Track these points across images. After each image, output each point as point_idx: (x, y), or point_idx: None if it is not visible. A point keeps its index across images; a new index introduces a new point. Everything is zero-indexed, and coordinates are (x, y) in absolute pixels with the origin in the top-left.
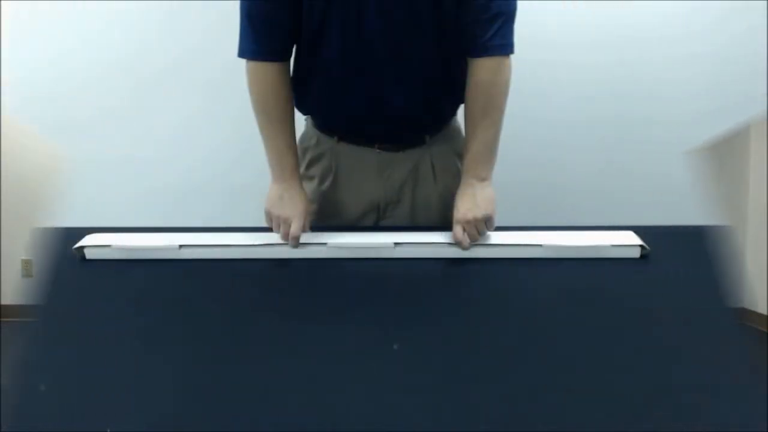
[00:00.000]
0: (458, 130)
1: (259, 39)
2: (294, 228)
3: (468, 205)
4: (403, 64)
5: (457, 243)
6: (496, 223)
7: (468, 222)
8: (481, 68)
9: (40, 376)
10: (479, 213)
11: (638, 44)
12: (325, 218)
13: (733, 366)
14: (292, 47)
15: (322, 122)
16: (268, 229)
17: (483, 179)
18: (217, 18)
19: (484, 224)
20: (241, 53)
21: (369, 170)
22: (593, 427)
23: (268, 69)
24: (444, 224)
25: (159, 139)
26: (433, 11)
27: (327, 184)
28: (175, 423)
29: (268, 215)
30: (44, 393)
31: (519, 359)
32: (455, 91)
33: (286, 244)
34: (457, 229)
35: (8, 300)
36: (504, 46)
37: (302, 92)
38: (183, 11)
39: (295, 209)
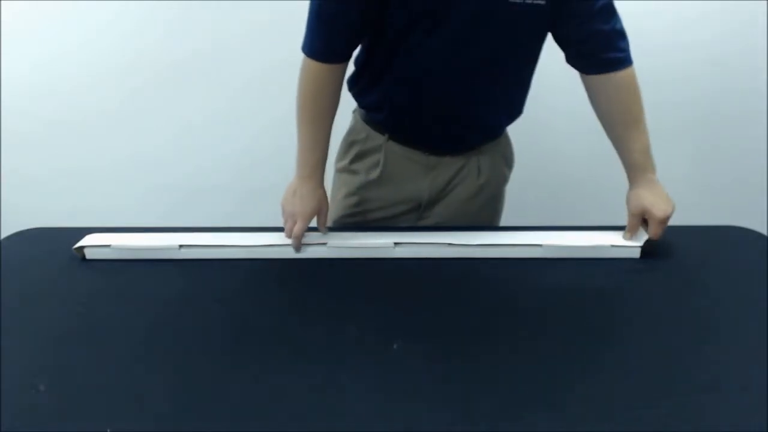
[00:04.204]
0: (506, 136)
1: (325, 38)
2: (296, 227)
3: (663, 206)
4: (490, 69)
5: (653, 239)
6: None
7: (663, 221)
8: (620, 81)
9: (40, 376)
10: (669, 210)
11: (637, 44)
12: (365, 213)
13: (734, 365)
14: (356, 48)
15: (384, 119)
16: (268, 229)
17: (654, 178)
18: (219, 18)
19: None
20: (304, 47)
21: (416, 170)
22: (593, 427)
23: (324, 69)
24: (479, 216)
25: (159, 140)
26: (528, 14)
27: (372, 179)
28: (175, 423)
29: (282, 209)
30: (44, 393)
31: (518, 359)
32: (523, 98)
33: (286, 244)
34: (658, 228)
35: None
36: (629, 54)
37: (371, 88)
38: (185, 12)
39: (303, 208)
